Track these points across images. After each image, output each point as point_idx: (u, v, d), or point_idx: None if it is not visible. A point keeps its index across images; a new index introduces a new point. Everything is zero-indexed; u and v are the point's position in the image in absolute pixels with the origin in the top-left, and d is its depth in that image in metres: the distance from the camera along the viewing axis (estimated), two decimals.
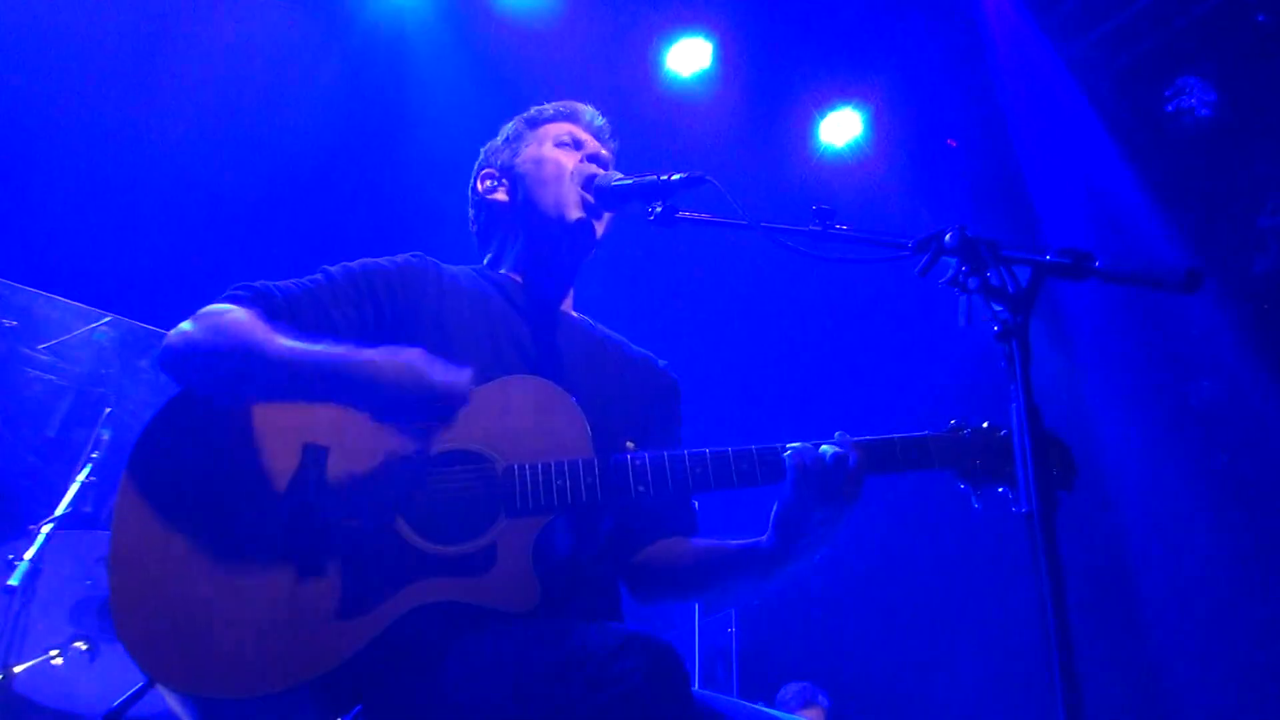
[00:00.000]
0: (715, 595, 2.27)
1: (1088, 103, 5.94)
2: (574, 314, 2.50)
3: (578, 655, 1.69)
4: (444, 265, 2.37)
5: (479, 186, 2.56)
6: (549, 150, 2.46)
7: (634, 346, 2.52)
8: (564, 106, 2.57)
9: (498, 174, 2.53)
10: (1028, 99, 6.02)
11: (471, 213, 2.62)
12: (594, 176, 2.38)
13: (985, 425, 2.08)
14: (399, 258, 2.31)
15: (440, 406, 1.90)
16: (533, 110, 2.59)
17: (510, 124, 2.61)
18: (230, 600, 1.83)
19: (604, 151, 2.47)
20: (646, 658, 1.65)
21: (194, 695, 1.79)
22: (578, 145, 2.47)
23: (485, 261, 2.55)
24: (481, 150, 2.63)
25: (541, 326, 2.34)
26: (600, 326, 2.52)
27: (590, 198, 2.37)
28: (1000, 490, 2.04)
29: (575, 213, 2.37)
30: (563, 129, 2.50)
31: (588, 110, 2.57)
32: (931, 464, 2.05)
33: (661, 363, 2.52)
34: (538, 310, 2.38)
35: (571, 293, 2.52)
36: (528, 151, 2.48)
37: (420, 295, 2.24)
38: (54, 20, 4.83)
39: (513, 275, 2.45)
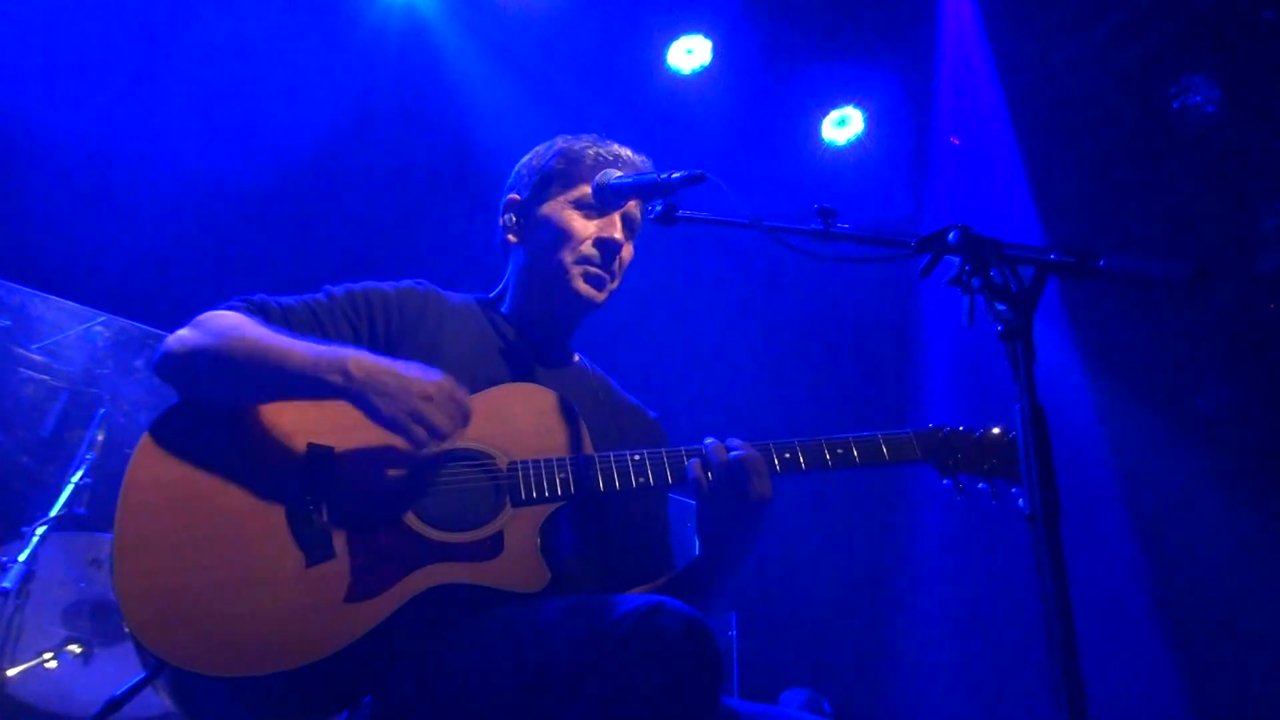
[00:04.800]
0: None
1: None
2: (573, 360, 2.50)
3: (611, 615, 1.68)
4: (446, 296, 2.38)
5: (501, 217, 2.47)
6: (567, 213, 2.33)
7: (627, 396, 2.52)
8: (600, 157, 2.34)
9: (518, 211, 2.44)
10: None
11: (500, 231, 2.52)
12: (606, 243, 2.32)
13: (961, 428, 2.17)
14: (403, 284, 2.32)
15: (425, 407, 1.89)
16: (572, 147, 2.39)
17: (545, 151, 2.44)
18: (239, 587, 1.85)
19: (633, 216, 2.38)
20: (681, 619, 1.64)
21: (203, 675, 1.77)
22: (603, 210, 2.33)
23: (495, 293, 2.51)
24: (516, 166, 2.49)
25: (531, 373, 2.34)
26: (597, 373, 2.51)
27: (600, 272, 2.32)
28: (980, 487, 2.13)
29: (578, 285, 2.33)
30: (588, 190, 2.31)
31: (626, 164, 2.34)
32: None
33: (652, 414, 2.52)
34: (532, 358, 2.38)
35: (571, 339, 2.50)
36: (550, 205, 2.36)
37: (417, 325, 2.26)
38: (49, 18, 4.81)
39: (512, 319, 2.42)
